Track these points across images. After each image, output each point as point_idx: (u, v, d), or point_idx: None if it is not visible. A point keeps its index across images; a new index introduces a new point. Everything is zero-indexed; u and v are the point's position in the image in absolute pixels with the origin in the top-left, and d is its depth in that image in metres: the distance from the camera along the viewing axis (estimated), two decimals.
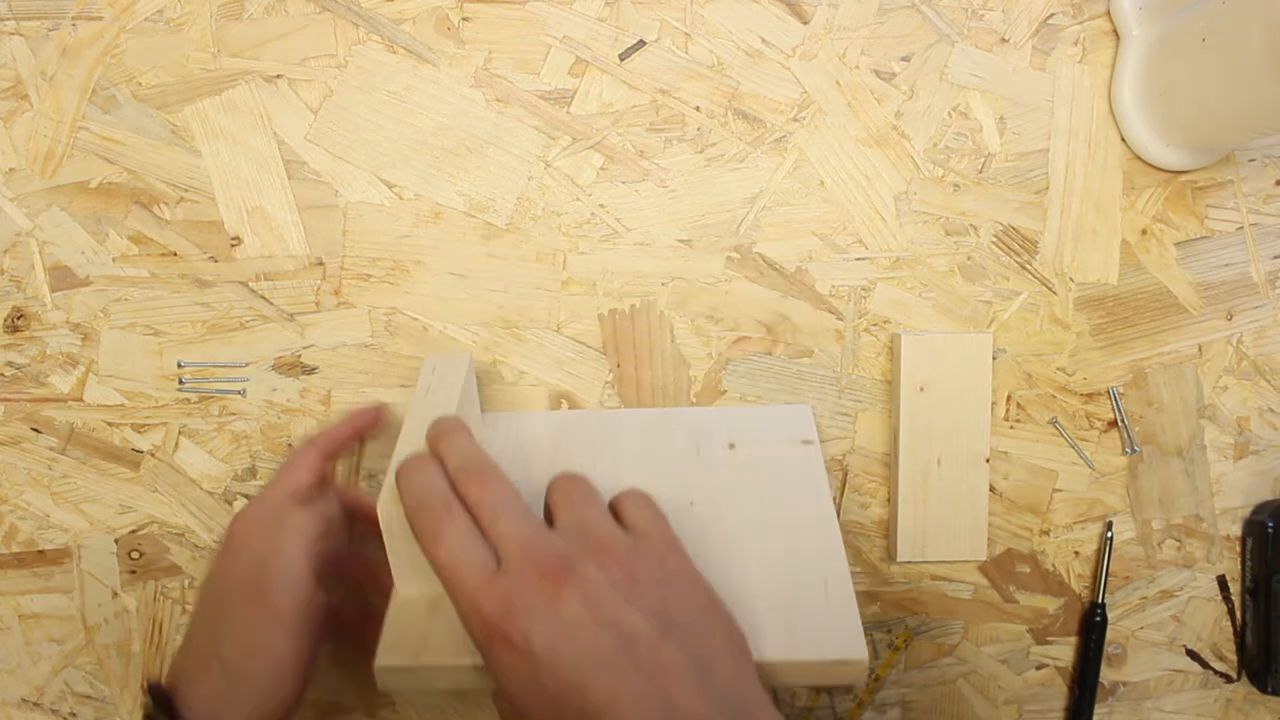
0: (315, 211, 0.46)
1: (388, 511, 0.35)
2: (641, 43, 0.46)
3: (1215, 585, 0.50)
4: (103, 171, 0.45)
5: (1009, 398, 0.48)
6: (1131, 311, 0.49)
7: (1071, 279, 0.48)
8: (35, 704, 0.48)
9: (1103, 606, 0.49)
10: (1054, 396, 0.49)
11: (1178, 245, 0.48)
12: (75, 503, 0.47)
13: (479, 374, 0.47)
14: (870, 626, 0.49)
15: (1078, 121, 0.47)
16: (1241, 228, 0.48)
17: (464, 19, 0.45)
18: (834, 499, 0.48)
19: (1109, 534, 0.49)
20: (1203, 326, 0.49)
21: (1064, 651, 0.50)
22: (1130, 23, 0.46)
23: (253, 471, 0.47)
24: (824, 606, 0.36)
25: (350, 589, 0.42)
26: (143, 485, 0.47)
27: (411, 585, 0.37)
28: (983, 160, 0.47)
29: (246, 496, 0.47)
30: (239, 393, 0.47)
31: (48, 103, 0.45)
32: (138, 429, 0.47)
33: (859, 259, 0.47)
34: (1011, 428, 0.49)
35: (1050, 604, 0.50)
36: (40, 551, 0.47)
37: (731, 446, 0.44)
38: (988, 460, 0.47)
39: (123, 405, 0.46)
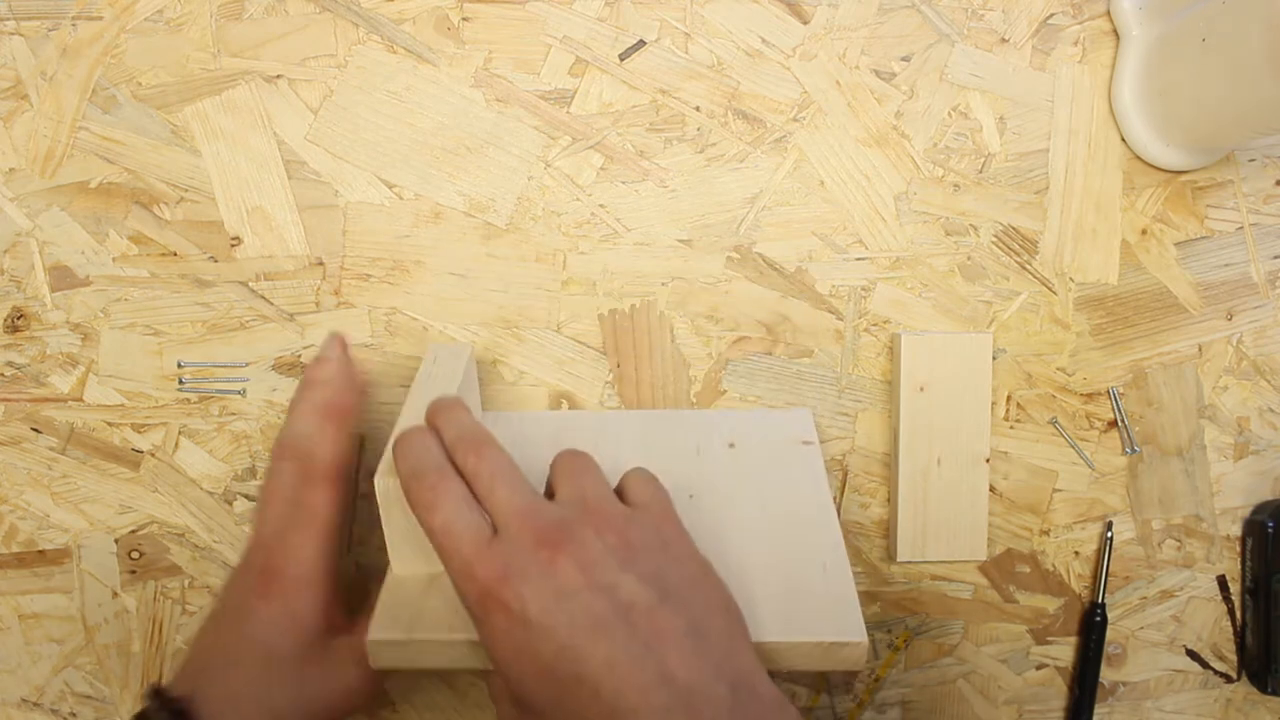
0: (315, 211, 0.46)
1: (384, 485, 0.35)
2: (641, 43, 0.46)
3: (1215, 585, 0.50)
4: (103, 171, 0.45)
5: (1009, 398, 0.48)
6: (1131, 311, 0.49)
7: (1071, 279, 0.48)
8: (35, 704, 0.48)
9: (1103, 606, 0.49)
10: (1054, 396, 0.49)
11: (1178, 245, 0.48)
12: (75, 503, 0.47)
13: (479, 374, 0.47)
14: (870, 626, 0.49)
15: (1078, 121, 0.47)
16: (1241, 228, 0.49)
17: (464, 19, 0.45)
18: (834, 498, 0.48)
19: (1109, 534, 0.49)
20: (1203, 326, 0.49)
21: (1064, 651, 0.50)
22: (1130, 23, 0.46)
23: (253, 471, 0.47)
24: (823, 592, 0.36)
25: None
26: (143, 485, 0.47)
27: (407, 563, 0.37)
28: (983, 160, 0.47)
29: (247, 497, 0.47)
30: (239, 393, 0.47)
31: (48, 103, 0.45)
32: (138, 429, 0.47)
33: (859, 259, 0.47)
34: (1011, 428, 0.49)
35: (1050, 604, 0.50)
36: (40, 551, 0.47)
37: (731, 446, 0.44)
38: (988, 460, 0.47)
39: (123, 405, 0.46)
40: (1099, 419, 0.49)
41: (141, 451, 0.47)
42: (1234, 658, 0.51)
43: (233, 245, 0.46)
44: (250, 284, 0.46)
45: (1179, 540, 0.50)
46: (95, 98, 0.45)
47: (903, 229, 0.47)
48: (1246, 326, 0.49)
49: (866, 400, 0.48)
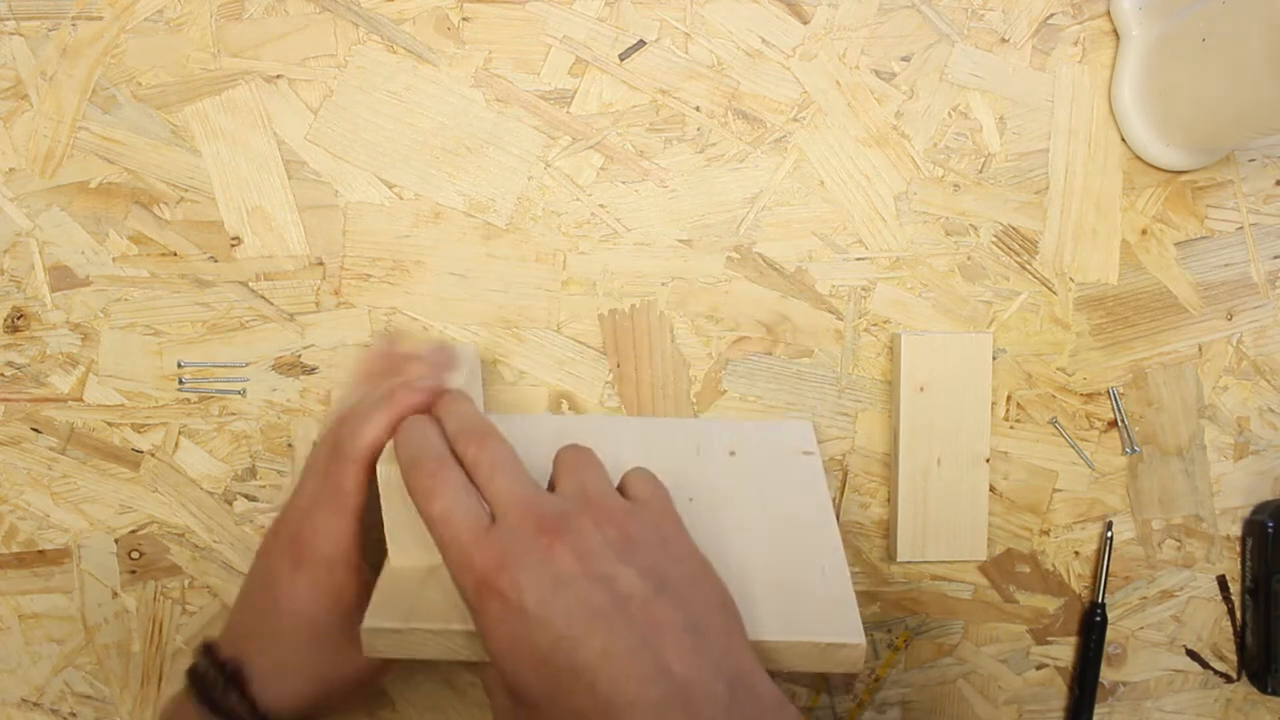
0: (315, 211, 0.46)
1: (386, 472, 0.35)
2: (641, 43, 0.46)
3: (1215, 585, 0.50)
4: (103, 171, 0.45)
5: (1009, 398, 0.48)
6: (1131, 311, 0.49)
7: (1071, 279, 0.48)
8: (35, 704, 0.48)
9: (1103, 606, 0.49)
10: (1054, 396, 0.49)
11: (1178, 245, 0.48)
12: (75, 503, 0.47)
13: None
14: (870, 626, 0.49)
15: (1078, 121, 0.47)
16: (1241, 228, 0.49)
17: (464, 19, 0.45)
18: (834, 499, 0.48)
19: (1109, 534, 0.49)
20: (1203, 326, 0.49)
21: (1064, 651, 0.50)
22: (1130, 23, 0.46)
23: (253, 471, 0.47)
24: (821, 594, 0.36)
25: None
26: (143, 485, 0.47)
27: (405, 554, 0.36)
28: (983, 160, 0.47)
29: (247, 497, 0.47)
30: (239, 393, 0.46)
31: (48, 103, 0.45)
32: (138, 429, 0.47)
33: (859, 259, 0.47)
34: (1011, 428, 0.49)
35: (1050, 604, 0.50)
36: (40, 551, 0.47)
37: (732, 454, 0.44)
38: (988, 460, 0.47)
39: (123, 405, 0.46)
40: (1099, 419, 0.49)
41: (141, 451, 0.47)
42: (1234, 658, 0.51)
43: (233, 245, 0.46)
44: (250, 284, 0.46)
45: (1179, 540, 0.50)
46: (95, 98, 0.45)
47: (903, 229, 0.47)
48: (1246, 326, 0.49)
49: (866, 400, 0.48)
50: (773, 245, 0.47)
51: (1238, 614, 0.50)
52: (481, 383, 0.46)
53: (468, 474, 0.33)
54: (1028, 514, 0.49)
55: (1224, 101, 0.42)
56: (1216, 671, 0.51)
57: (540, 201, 0.46)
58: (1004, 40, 0.47)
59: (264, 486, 0.47)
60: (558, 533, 0.30)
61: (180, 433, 0.47)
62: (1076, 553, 0.50)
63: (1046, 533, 0.49)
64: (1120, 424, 0.49)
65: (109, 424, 0.46)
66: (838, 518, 0.48)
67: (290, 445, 0.47)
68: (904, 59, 0.47)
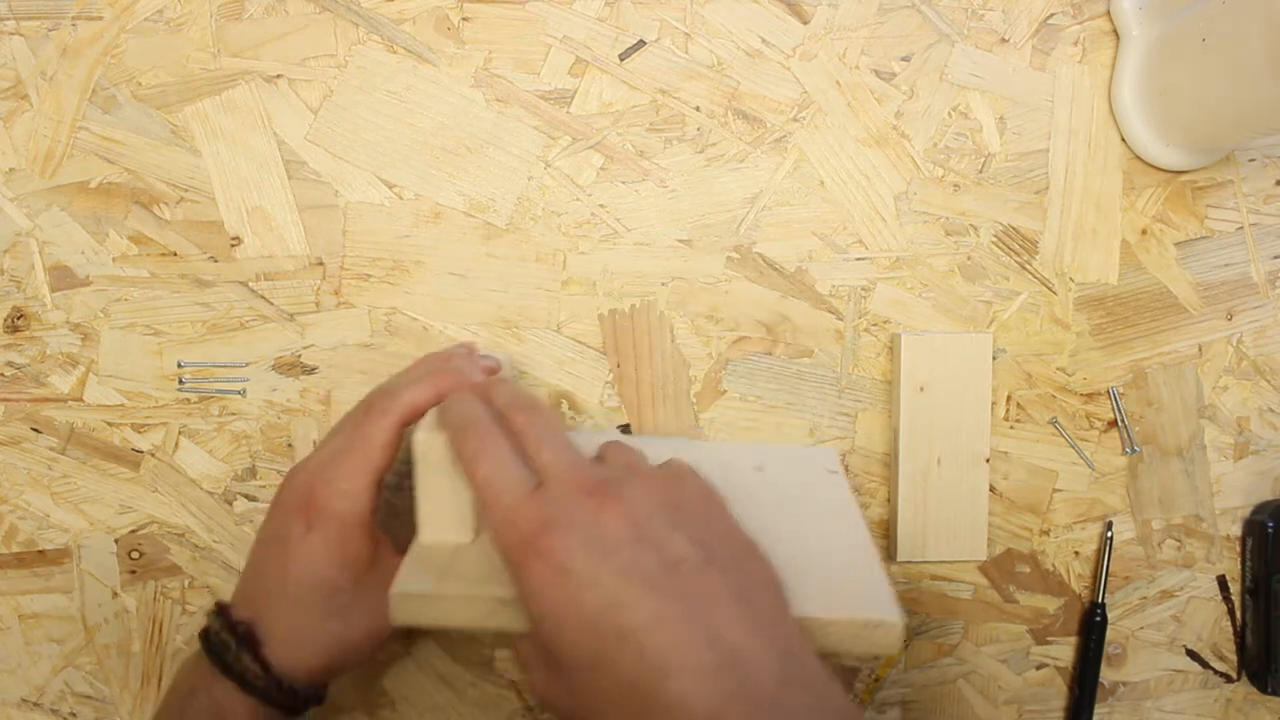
0: (315, 211, 0.46)
1: (424, 441, 0.35)
2: (641, 43, 0.46)
3: (1215, 585, 0.50)
4: (103, 171, 0.45)
5: (1009, 398, 0.48)
6: (1131, 311, 0.49)
7: (1071, 279, 0.48)
8: (35, 704, 0.48)
9: (1103, 606, 0.49)
10: (1054, 396, 0.49)
11: (1178, 245, 0.48)
12: (75, 503, 0.47)
13: None
14: None
15: (1078, 121, 0.47)
16: (1241, 228, 0.49)
17: (464, 19, 0.45)
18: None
19: (1109, 534, 0.49)
20: (1203, 326, 0.49)
21: (1064, 651, 0.50)
22: (1130, 23, 0.46)
23: (252, 471, 0.47)
24: (856, 579, 0.36)
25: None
26: (143, 485, 0.47)
27: (435, 530, 0.36)
28: (983, 160, 0.47)
29: (247, 497, 0.47)
30: (239, 393, 0.46)
31: (48, 103, 0.45)
32: (138, 429, 0.46)
33: (859, 259, 0.47)
34: (1011, 428, 0.49)
35: (1050, 604, 0.50)
36: (40, 551, 0.47)
37: (759, 469, 0.44)
38: (988, 460, 0.47)
39: (123, 405, 0.46)
40: (1099, 419, 0.49)
41: (141, 451, 0.47)
42: (1234, 658, 0.51)
43: (233, 245, 0.46)
44: (250, 284, 0.46)
45: (1179, 540, 0.50)
46: (95, 98, 0.45)
47: (903, 229, 0.47)
48: (1246, 326, 0.49)
49: (866, 400, 0.48)
50: (773, 245, 0.47)
51: (1238, 614, 0.50)
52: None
53: (515, 441, 0.33)
54: (1028, 514, 0.49)
55: (1224, 101, 0.42)
56: (1216, 671, 0.51)
57: (540, 201, 0.46)
58: (1004, 40, 0.47)
59: (264, 486, 0.47)
60: (607, 496, 0.30)
61: (180, 433, 0.47)
62: (1076, 553, 0.50)
63: (1046, 533, 0.49)
64: (1120, 424, 0.49)
65: (109, 424, 0.46)
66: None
67: (290, 445, 0.47)
68: (904, 59, 0.47)
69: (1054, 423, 0.49)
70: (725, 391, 0.48)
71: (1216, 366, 0.49)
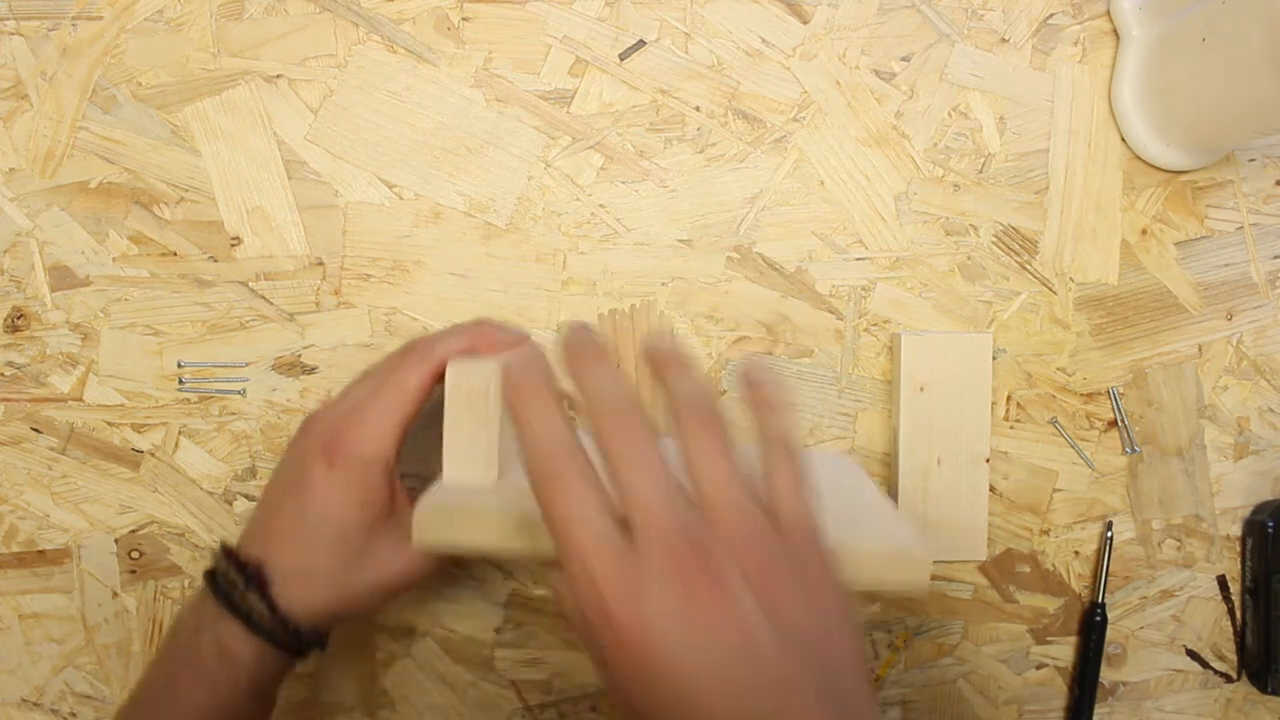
0: (315, 211, 0.46)
1: (455, 374, 0.34)
2: (641, 43, 0.46)
3: (1215, 585, 0.50)
4: (103, 171, 0.45)
5: (1009, 398, 0.48)
6: (1131, 311, 0.49)
7: (1071, 279, 0.48)
8: (35, 704, 0.48)
9: (1103, 606, 0.49)
10: (1054, 396, 0.49)
11: (1178, 245, 0.48)
12: (75, 503, 0.47)
13: None
14: (870, 626, 0.49)
15: (1078, 121, 0.47)
16: (1241, 228, 0.49)
17: (464, 19, 0.45)
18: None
19: (1109, 534, 0.49)
20: (1203, 326, 0.49)
21: (1064, 651, 0.50)
22: (1130, 23, 0.46)
23: (253, 471, 0.47)
24: (879, 525, 0.36)
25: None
26: (143, 485, 0.47)
27: (460, 469, 0.35)
28: (983, 160, 0.47)
29: (247, 497, 0.47)
30: (239, 393, 0.46)
31: (48, 103, 0.45)
32: (138, 429, 0.47)
33: (859, 259, 0.47)
34: (1011, 428, 0.49)
35: (1050, 604, 0.50)
36: (40, 551, 0.47)
37: None
38: (988, 460, 0.47)
39: (123, 405, 0.46)
40: (1099, 419, 0.49)
41: (141, 451, 0.47)
42: (1234, 658, 0.51)
43: (233, 245, 0.46)
44: (250, 284, 0.46)
45: (1179, 540, 0.50)
46: (95, 98, 0.45)
47: (903, 229, 0.47)
48: (1246, 326, 0.49)
49: (866, 400, 0.48)
50: (773, 245, 0.47)
51: (1238, 614, 0.50)
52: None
53: (602, 456, 0.29)
54: (1028, 514, 0.49)
55: (1224, 101, 0.42)
56: (1216, 671, 0.51)
57: (540, 201, 0.46)
58: (1004, 40, 0.47)
59: (264, 487, 0.47)
60: (699, 575, 0.27)
61: (180, 433, 0.47)
62: (1076, 553, 0.50)
63: (1046, 533, 0.49)
64: (1120, 424, 0.49)
65: (109, 424, 0.46)
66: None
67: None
68: (904, 59, 0.47)
69: (1054, 423, 0.49)
70: (725, 391, 0.48)
71: (1216, 366, 0.49)
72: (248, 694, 0.36)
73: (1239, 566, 0.50)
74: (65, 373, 0.46)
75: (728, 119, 0.46)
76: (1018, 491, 0.49)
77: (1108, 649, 0.50)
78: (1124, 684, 0.51)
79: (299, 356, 0.46)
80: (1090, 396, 0.49)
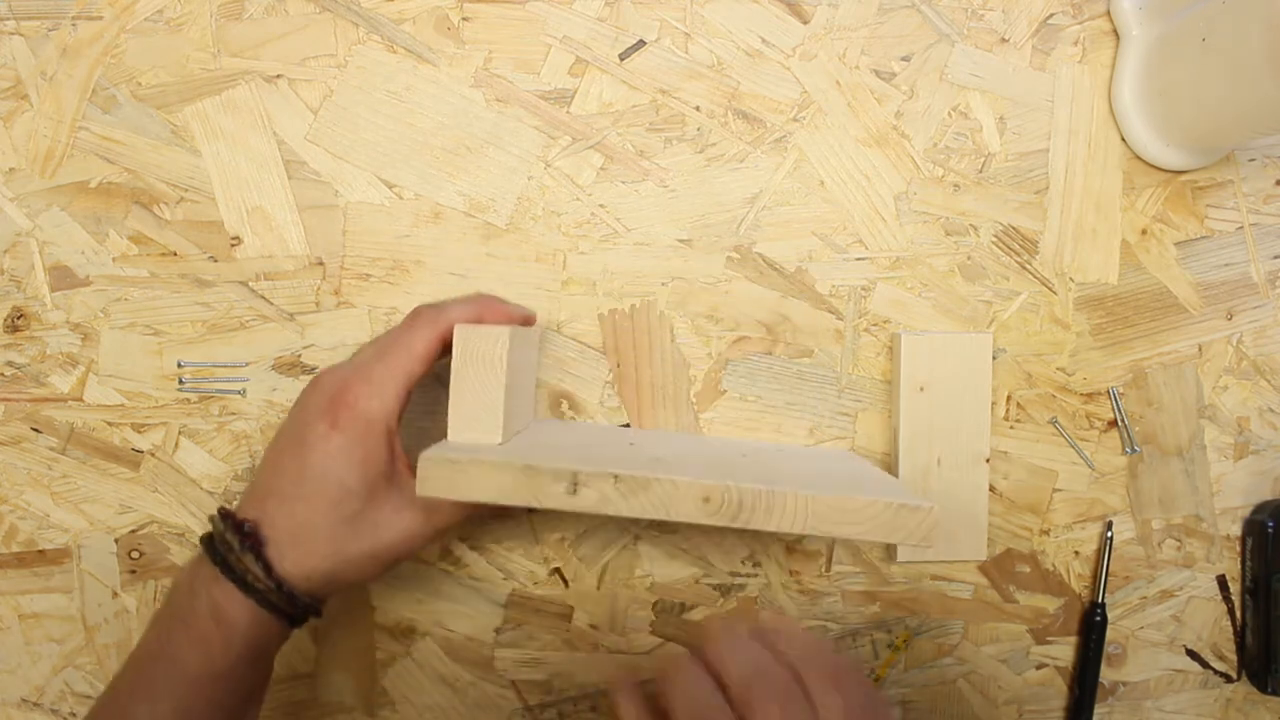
0: (315, 211, 0.46)
1: (463, 335, 0.35)
2: (641, 43, 0.46)
3: (1215, 585, 0.50)
4: (103, 171, 0.45)
5: (1009, 398, 0.48)
6: (1131, 311, 0.49)
7: (1071, 279, 0.48)
8: (35, 704, 0.48)
9: (1103, 606, 0.49)
10: (1054, 396, 0.49)
11: (1178, 245, 0.48)
12: (75, 503, 0.47)
13: None
14: (870, 626, 0.49)
15: (1078, 121, 0.47)
16: (1241, 228, 0.49)
17: (464, 19, 0.45)
18: None
19: (1109, 534, 0.49)
20: (1203, 326, 0.49)
21: (1064, 651, 0.50)
22: (1130, 23, 0.46)
23: (253, 471, 0.47)
24: (885, 485, 0.38)
25: None
26: (143, 485, 0.47)
27: (465, 429, 0.36)
28: (983, 160, 0.47)
29: None
30: (239, 393, 0.46)
31: (48, 103, 0.45)
32: (138, 429, 0.47)
33: (859, 259, 0.47)
34: (1011, 428, 0.49)
35: (1050, 604, 0.50)
36: (40, 551, 0.47)
37: (777, 450, 0.46)
38: (988, 460, 0.47)
39: (123, 405, 0.46)
40: (1099, 419, 0.49)
41: (141, 451, 0.47)
42: (1234, 658, 0.51)
43: (233, 245, 0.46)
44: (250, 284, 0.46)
45: (1179, 540, 0.50)
46: (95, 98, 0.45)
47: (903, 229, 0.47)
48: (1246, 326, 0.49)
49: (866, 400, 0.48)
50: (773, 245, 0.47)
51: (1238, 614, 0.50)
52: (538, 351, 0.47)
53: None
54: (1028, 514, 0.49)
55: (1224, 101, 0.42)
56: (1216, 671, 0.51)
57: (540, 201, 0.46)
58: (1004, 40, 0.47)
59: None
60: None
61: (180, 433, 0.47)
62: (1076, 552, 0.50)
63: (1046, 533, 0.49)
64: (1120, 424, 0.49)
65: (109, 424, 0.46)
66: None
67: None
68: (904, 59, 0.47)
69: (1054, 422, 0.49)
70: (725, 391, 0.48)
71: (1216, 366, 0.49)
72: (243, 658, 0.36)
73: (1239, 566, 0.50)
74: (65, 373, 0.46)
75: (728, 119, 0.46)
76: (1018, 491, 0.49)
77: (1108, 649, 0.50)
78: (1124, 684, 0.51)
79: (299, 356, 0.46)
80: (1090, 396, 0.49)
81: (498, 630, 0.48)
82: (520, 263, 0.47)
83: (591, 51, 0.46)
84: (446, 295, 0.46)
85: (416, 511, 0.38)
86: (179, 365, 0.46)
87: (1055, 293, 0.48)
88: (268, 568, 0.36)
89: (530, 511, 0.48)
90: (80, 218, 0.45)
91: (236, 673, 0.36)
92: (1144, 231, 0.48)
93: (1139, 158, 0.47)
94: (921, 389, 0.46)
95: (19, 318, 0.46)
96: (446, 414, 0.37)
